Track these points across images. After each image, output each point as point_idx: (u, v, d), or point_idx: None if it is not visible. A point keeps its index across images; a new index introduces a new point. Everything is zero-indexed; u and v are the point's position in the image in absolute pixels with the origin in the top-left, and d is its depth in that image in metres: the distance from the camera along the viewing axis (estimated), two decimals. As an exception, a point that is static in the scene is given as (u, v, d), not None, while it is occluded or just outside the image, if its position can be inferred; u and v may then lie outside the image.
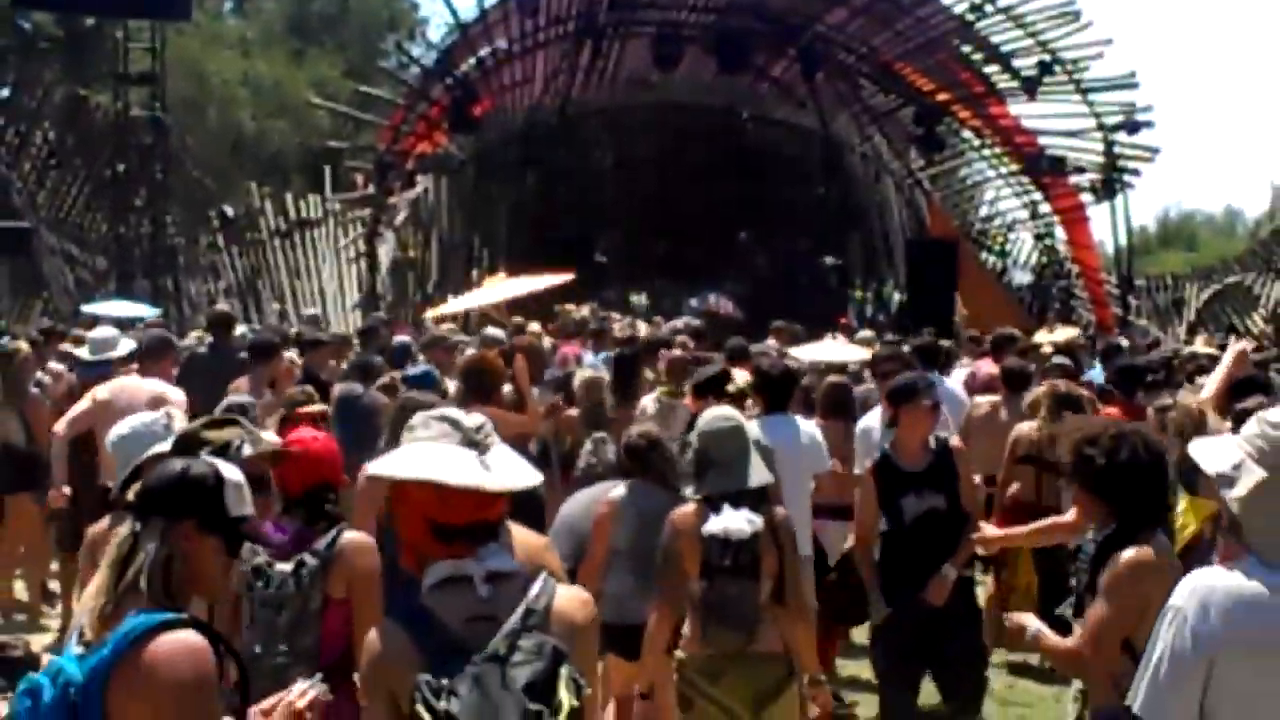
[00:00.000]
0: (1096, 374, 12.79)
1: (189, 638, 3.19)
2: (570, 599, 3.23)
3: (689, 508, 5.95)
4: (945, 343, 14.61)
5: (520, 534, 4.26)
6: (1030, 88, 27.75)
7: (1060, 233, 31.94)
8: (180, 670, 3.14)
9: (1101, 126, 28.62)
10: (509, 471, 3.20)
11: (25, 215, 26.24)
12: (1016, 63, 27.87)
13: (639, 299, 28.45)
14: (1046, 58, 27.33)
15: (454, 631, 3.04)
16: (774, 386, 8.15)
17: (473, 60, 27.87)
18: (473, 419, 3.26)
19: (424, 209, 30.05)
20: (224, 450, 4.01)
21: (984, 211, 34.36)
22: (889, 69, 29.37)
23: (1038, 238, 32.39)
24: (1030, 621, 4.72)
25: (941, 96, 29.32)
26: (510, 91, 29.61)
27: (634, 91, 31.22)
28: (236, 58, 48.83)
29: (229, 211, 31.15)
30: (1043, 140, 29.99)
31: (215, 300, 28.00)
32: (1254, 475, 3.21)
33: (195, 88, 44.44)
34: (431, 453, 3.16)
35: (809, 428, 8.22)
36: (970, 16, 27.37)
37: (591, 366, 11.48)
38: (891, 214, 32.33)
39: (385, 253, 28.95)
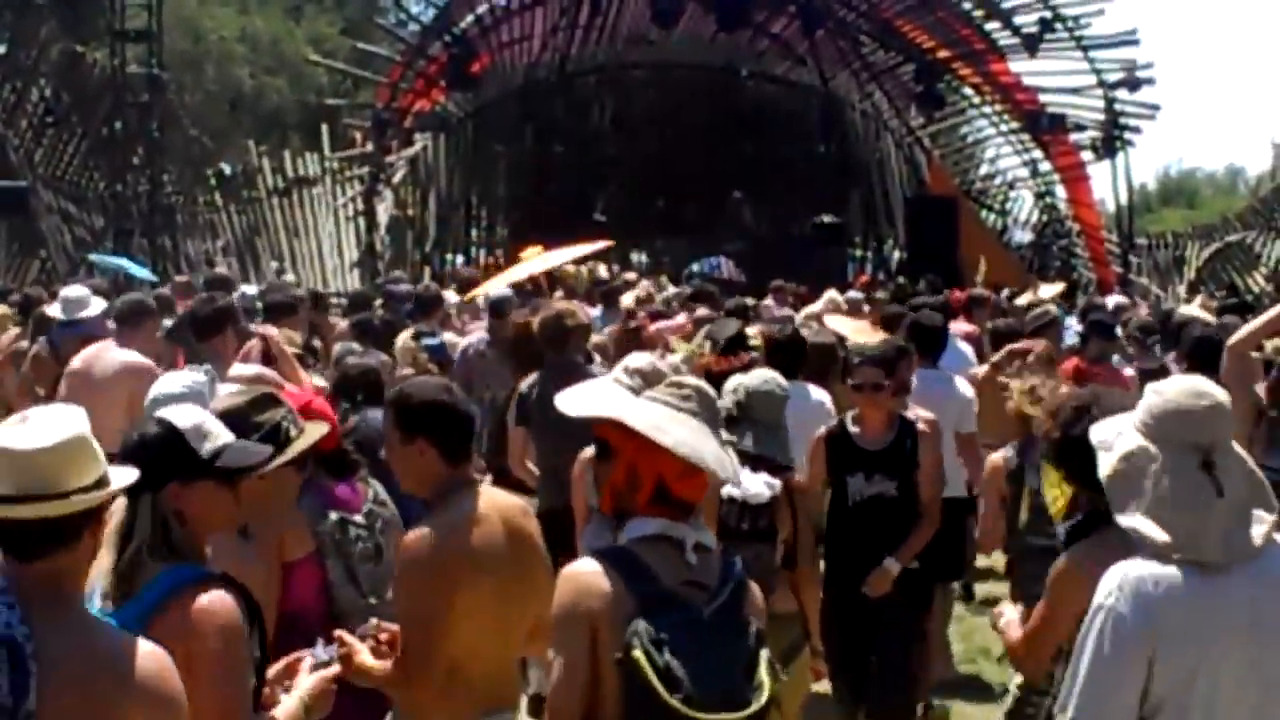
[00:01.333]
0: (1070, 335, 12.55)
1: (220, 595, 3.24)
2: (754, 585, 3.32)
3: None
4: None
5: (496, 495, 4.24)
6: (1031, 44, 27.65)
7: (1061, 191, 31.92)
8: (213, 624, 3.21)
9: (1102, 84, 28.53)
10: (737, 465, 3.37)
11: (22, 174, 26.15)
12: (1017, 19, 27.79)
13: (638, 257, 28.41)
14: (1047, 14, 27.26)
15: (667, 588, 3.08)
16: (783, 351, 7.94)
17: (471, 17, 27.74)
18: (720, 401, 3.41)
19: (422, 167, 29.98)
20: (275, 432, 3.97)
21: (984, 169, 34.28)
22: (889, 26, 29.24)
23: (1038, 196, 32.34)
24: (1008, 609, 4.42)
25: (942, 53, 29.21)
26: (509, 49, 29.49)
27: (633, 49, 31.07)
28: (234, 14, 48.54)
29: (226, 169, 31.10)
30: (1043, 98, 29.91)
31: (213, 259, 27.97)
32: (1129, 442, 3.19)
33: (192, 45, 44.25)
34: (696, 430, 3.20)
35: (820, 395, 8.04)
36: (971, -28, 27.28)
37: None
38: (891, 172, 32.22)
39: (383, 211, 28.91)
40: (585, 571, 3.15)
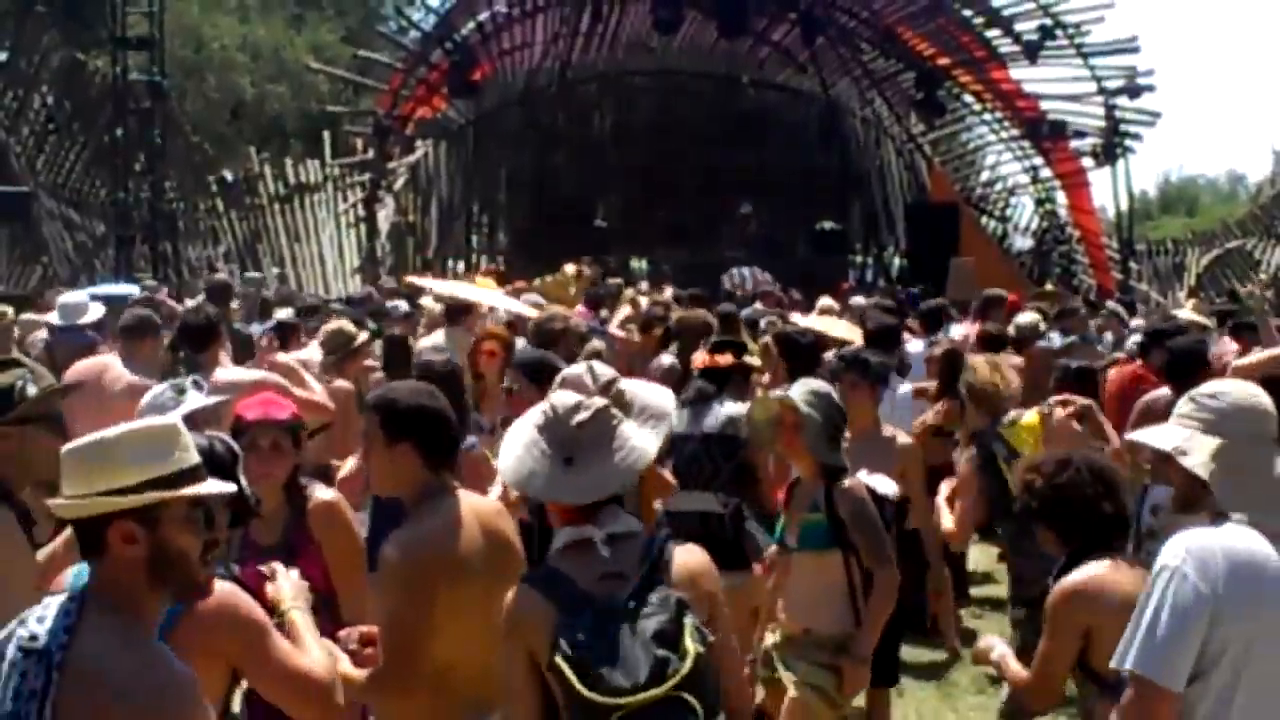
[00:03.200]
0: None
1: (225, 584, 3.39)
2: (687, 554, 3.41)
3: None
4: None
5: (473, 499, 4.26)
6: (1031, 52, 27.66)
7: (1061, 197, 31.91)
8: (240, 608, 3.39)
9: (1103, 91, 28.54)
10: (589, 481, 3.34)
11: (23, 180, 26.18)
12: (1018, 26, 27.78)
13: (638, 264, 28.42)
14: (1048, 22, 27.25)
15: (584, 588, 3.20)
16: (800, 354, 8.14)
17: (472, 24, 27.79)
18: (581, 414, 3.38)
19: (423, 174, 30.04)
20: (9, 393, 4.11)
21: (985, 176, 34.28)
22: (890, 33, 29.27)
23: (1038, 202, 32.34)
24: (997, 644, 4.58)
25: (942, 61, 29.24)
26: (509, 56, 29.53)
27: (634, 56, 31.13)
28: (235, 22, 48.57)
29: (228, 176, 31.10)
30: (1044, 105, 29.93)
31: (214, 265, 28.00)
32: (1208, 443, 3.37)
33: (194, 52, 44.32)
34: (531, 450, 3.39)
35: None
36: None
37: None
38: (892, 179, 32.28)
39: (384, 217, 28.95)
40: (514, 598, 3.30)
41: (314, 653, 3.57)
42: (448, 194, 30.80)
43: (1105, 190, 38.45)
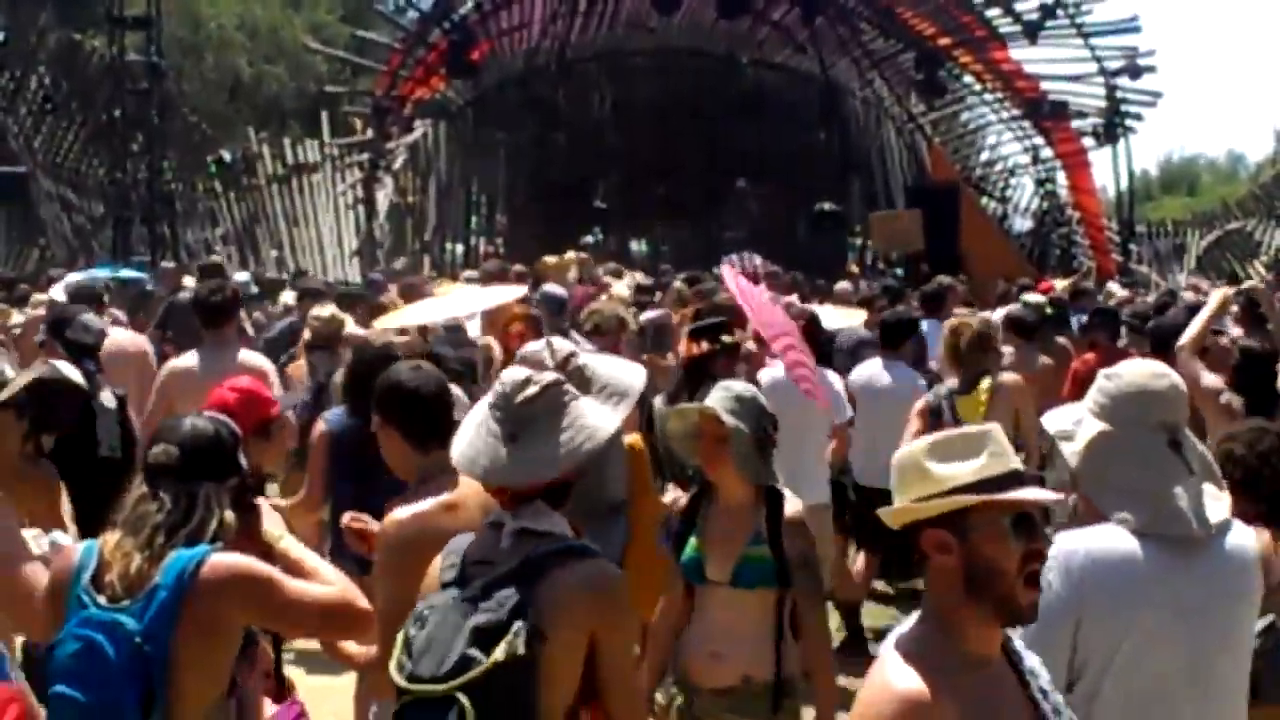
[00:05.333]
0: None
1: (228, 554, 3.39)
2: (584, 569, 3.17)
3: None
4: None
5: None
6: (1032, 32, 27.61)
7: (1062, 178, 31.89)
8: (248, 569, 3.37)
9: (1103, 71, 28.50)
10: (528, 460, 3.20)
11: (21, 161, 26.12)
12: (1018, 6, 27.74)
13: (638, 245, 28.41)
14: (1048, 1, 27.20)
15: (456, 567, 3.18)
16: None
17: (471, 4, 27.70)
18: (527, 394, 3.26)
19: (422, 154, 29.97)
20: None
21: (985, 157, 34.25)
22: (890, 13, 29.20)
23: (1039, 183, 32.31)
24: None
25: (943, 41, 29.18)
26: (508, 35, 29.47)
27: (633, 36, 31.04)
28: (233, 2, 48.46)
29: (226, 157, 31.04)
30: (1044, 85, 29.89)
31: (213, 246, 27.96)
32: (1090, 429, 3.26)
33: (191, 32, 44.23)
34: (477, 429, 3.28)
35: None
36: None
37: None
38: (892, 159, 32.21)
39: (383, 198, 28.90)
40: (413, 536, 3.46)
41: (323, 574, 3.59)
42: (446, 174, 30.75)
43: (1106, 170, 38.59)
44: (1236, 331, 10.02)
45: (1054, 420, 3.39)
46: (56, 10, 31.34)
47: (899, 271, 19.23)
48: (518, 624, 2.97)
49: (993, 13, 28.46)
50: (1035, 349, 10.31)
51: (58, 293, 10.45)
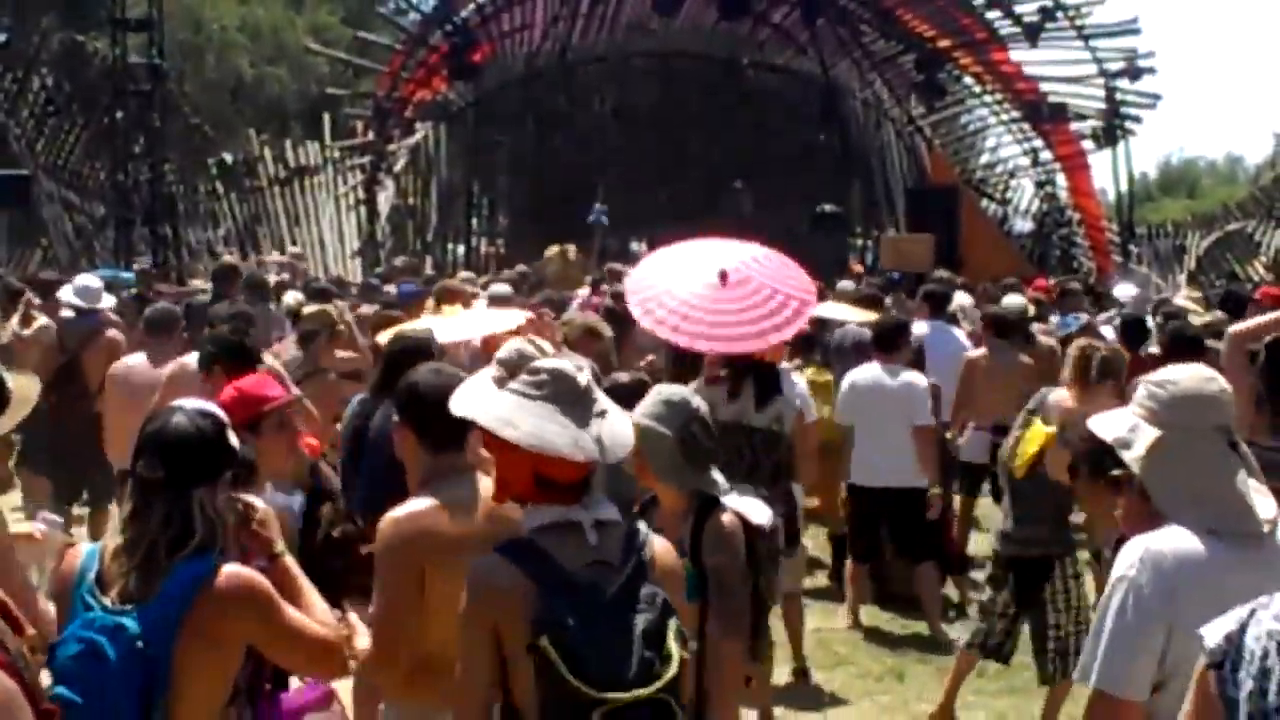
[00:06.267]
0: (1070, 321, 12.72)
1: (236, 565, 3.38)
2: (665, 548, 3.32)
3: None
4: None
5: (486, 484, 4.21)
6: (1032, 33, 27.63)
7: (1061, 180, 31.89)
8: (255, 587, 3.36)
9: (1103, 73, 28.53)
10: (618, 436, 3.24)
11: (23, 163, 26.17)
12: (1018, 8, 27.76)
13: (638, 246, 28.43)
14: (1048, 3, 27.24)
15: (569, 572, 3.09)
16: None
17: (472, 6, 27.76)
18: (584, 375, 3.28)
19: (423, 156, 30.01)
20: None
21: (985, 159, 34.27)
22: (890, 15, 29.23)
23: (1039, 185, 32.31)
24: None
25: (943, 42, 29.21)
26: (510, 37, 29.49)
27: (634, 38, 31.06)
28: (234, 3, 48.54)
29: (228, 159, 31.08)
30: (1044, 87, 29.91)
31: (214, 248, 27.99)
32: (1148, 435, 3.28)
33: (193, 34, 44.27)
34: (547, 415, 3.19)
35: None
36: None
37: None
38: (892, 161, 32.22)
39: (384, 200, 28.93)
40: (483, 566, 3.18)
41: (315, 610, 3.59)
42: (448, 176, 30.78)
43: (1105, 172, 38.41)
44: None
45: (1106, 427, 3.40)
46: (59, 12, 31.39)
47: (895, 276, 19.26)
48: (672, 622, 3.04)
49: (993, 15, 28.48)
50: (1013, 348, 10.42)
51: (68, 294, 10.51)
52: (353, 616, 4.00)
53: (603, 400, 3.28)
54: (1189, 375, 3.37)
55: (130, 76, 25.12)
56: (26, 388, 4.17)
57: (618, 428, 3.26)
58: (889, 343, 8.94)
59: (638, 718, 2.96)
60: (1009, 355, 10.28)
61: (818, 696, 7.76)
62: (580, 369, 3.31)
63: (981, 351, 10.48)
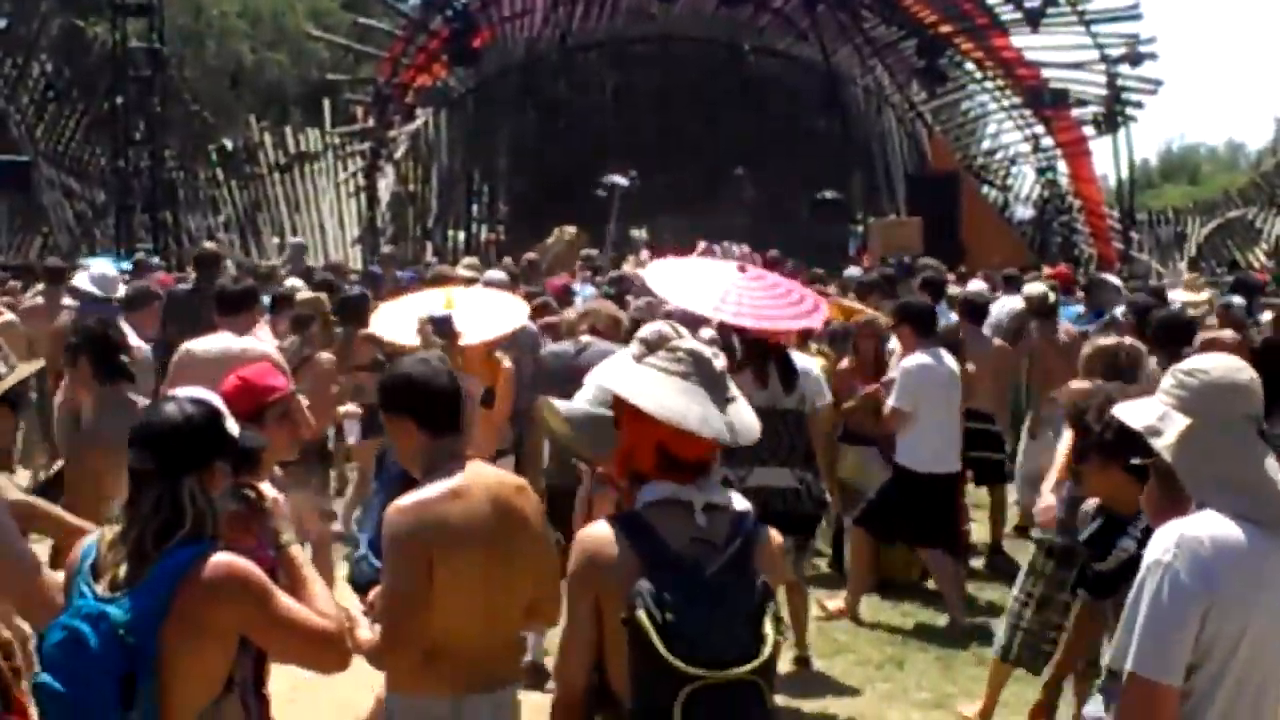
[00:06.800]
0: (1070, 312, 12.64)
1: (226, 554, 3.34)
2: (771, 534, 3.34)
3: None
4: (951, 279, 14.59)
5: (485, 471, 4.23)
6: (1033, 19, 27.60)
7: (1062, 166, 31.86)
8: (245, 575, 3.32)
9: (1104, 59, 28.49)
10: (747, 424, 3.31)
11: (23, 148, 26.15)
12: (1019, -7, 27.70)
13: (639, 233, 28.39)
14: (1050, -11, 27.17)
15: (673, 550, 3.14)
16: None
17: (472, -9, 27.69)
18: (719, 360, 3.34)
19: (424, 142, 29.98)
20: None
21: (986, 145, 34.27)
22: (891, 0, 29.17)
23: (1040, 171, 32.28)
24: None
25: (944, 28, 29.16)
26: (510, 23, 29.45)
27: (635, 23, 31.03)
28: (234, -11, 48.43)
29: (228, 145, 31.06)
30: (1045, 73, 29.89)
31: (215, 234, 27.98)
32: (1179, 423, 3.29)
33: (193, 19, 44.17)
34: (684, 392, 3.26)
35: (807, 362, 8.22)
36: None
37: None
38: (893, 147, 32.21)
39: (385, 186, 28.91)
40: (593, 537, 3.23)
41: (319, 600, 3.56)
42: (448, 162, 30.76)
43: (1106, 159, 38.56)
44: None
45: (1135, 415, 3.40)
46: (58, -3, 31.37)
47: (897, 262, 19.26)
48: (770, 605, 3.09)
49: (994, 0, 28.44)
50: (985, 332, 10.41)
51: (83, 282, 10.49)
52: (354, 610, 3.98)
53: (733, 387, 3.35)
54: (1219, 364, 3.38)
55: (130, 62, 25.12)
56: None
57: (745, 415, 3.33)
58: (928, 327, 8.82)
59: (728, 698, 2.99)
60: (981, 338, 10.25)
61: (818, 684, 7.76)
62: (716, 354, 3.36)
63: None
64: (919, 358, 8.62)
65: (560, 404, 4.19)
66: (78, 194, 28.26)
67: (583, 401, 4.29)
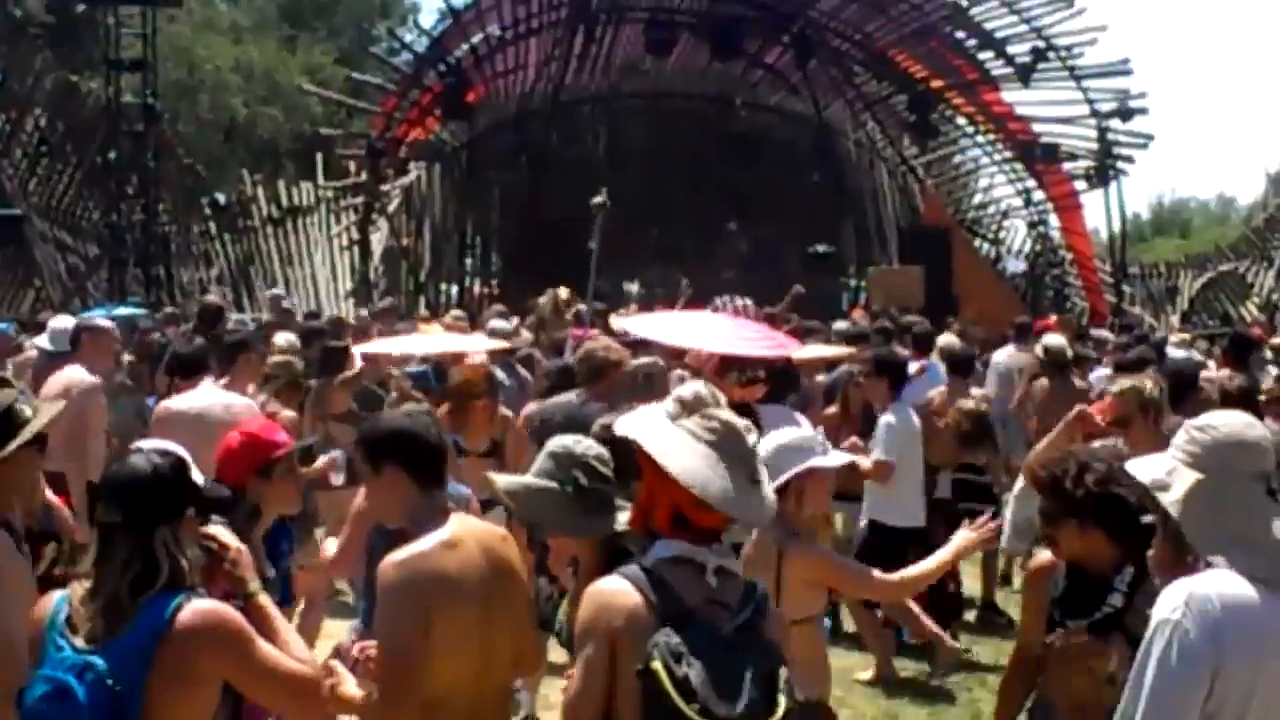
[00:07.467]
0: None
1: (207, 601, 3.38)
2: (778, 612, 3.45)
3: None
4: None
5: (472, 522, 4.20)
6: (1024, 74, 27.72)
7: (1054, 220, 31.95)
8: (228, 621, 3.36)
9: (1095, 113, 28.61)
10: (767, 506, 3.40)
11: (16, 202, 26.14)
12: (1010, 49, 27.85)
13: (631, 287, 28.46)
14: (1040, 44, 27.31)
15: (688, 605, 3.18)
16: (777, 378, 8.28)
17: (465, 46, 27.81)
18: (752, 436, 3.38)
19: (416, 196, 30.04)
20: (7, 413, 4.12)
21: (978, 199, 34.34)
22: (883, 55, 29.32)
23: (1031, 225, 32.38)
24: None
25: (935, 83, 29.29)
26: (503, 78, 29.57)
27: (627, 78, 31.18)
28: (228, 44, 48.55)
29: (221, 199, 31.08)
30: (1036, 127, 29.99)
31: (207, 288, 27.95)
32: (1187, 479, 3.26)
33: (187, 74, 44.29)
34: (708, 460, 3.28)
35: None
36: (964, 2, 27.37)
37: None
38: (885, 201, 32.30)
39: (378, 240, 28.94)
40: (608, 589, 3.25)
41: (293, 647, 3.59)
42: (441, 216, 30.81)
43: (1098, 213, 38.72)
44: (1223, 372, 10.07)
45: (1144, 470, 3.38)
46: (53, 52, 31.43)
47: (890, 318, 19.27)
48: (783, 672, 3.12)
49: (985, 56, 28.57)
50: (968, 383, 10.41)
51: (43, 341, 10.52)
52: (336, 662, 3.96)
53: (761, 469, 3.38)
54: (1231, 420, 3.35)
55: (124, 117, 25.19)
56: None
57: (767, 497, 3.38)
58: (903, 382, 8.94)
59: None
60: (964, 389, 10.25)
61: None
62: (749, 429, 3.39)
63: (940, 389, 10.33)
64: (901, 411, 8.67)
65: (499, 478, 4.12)
66: (70, 248, 28.21)
67: (532, 471, 4.10)
